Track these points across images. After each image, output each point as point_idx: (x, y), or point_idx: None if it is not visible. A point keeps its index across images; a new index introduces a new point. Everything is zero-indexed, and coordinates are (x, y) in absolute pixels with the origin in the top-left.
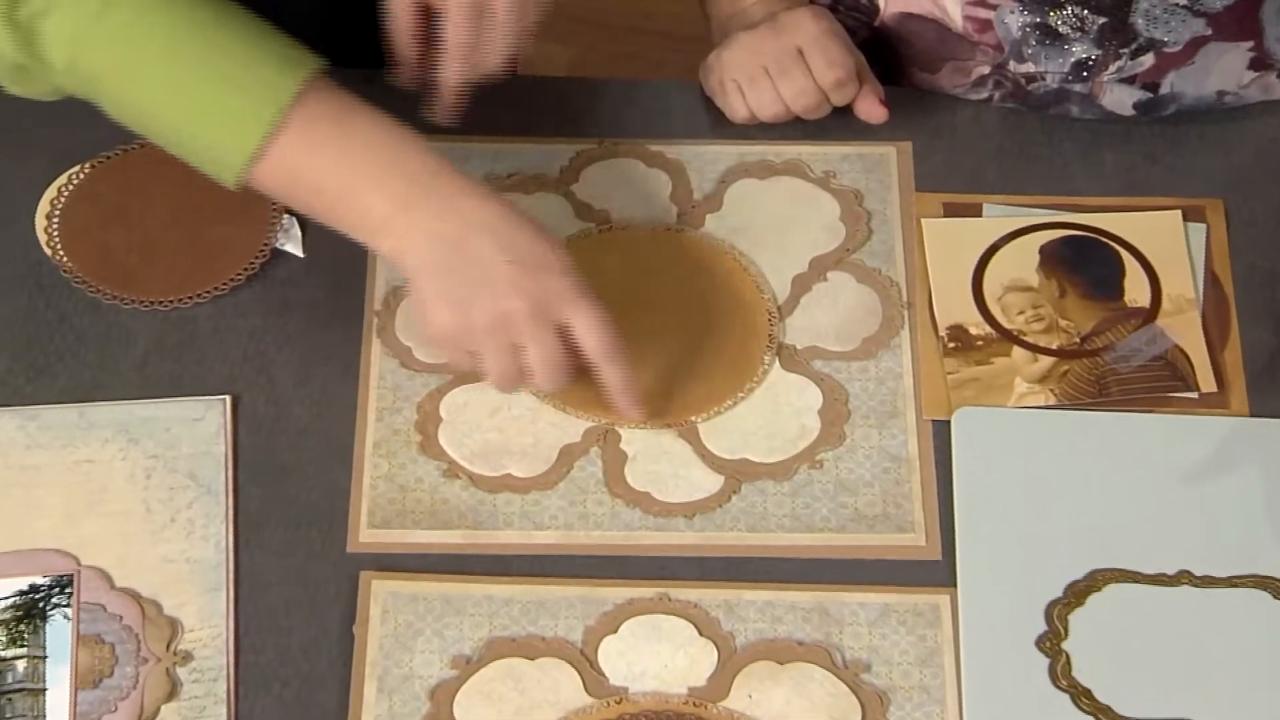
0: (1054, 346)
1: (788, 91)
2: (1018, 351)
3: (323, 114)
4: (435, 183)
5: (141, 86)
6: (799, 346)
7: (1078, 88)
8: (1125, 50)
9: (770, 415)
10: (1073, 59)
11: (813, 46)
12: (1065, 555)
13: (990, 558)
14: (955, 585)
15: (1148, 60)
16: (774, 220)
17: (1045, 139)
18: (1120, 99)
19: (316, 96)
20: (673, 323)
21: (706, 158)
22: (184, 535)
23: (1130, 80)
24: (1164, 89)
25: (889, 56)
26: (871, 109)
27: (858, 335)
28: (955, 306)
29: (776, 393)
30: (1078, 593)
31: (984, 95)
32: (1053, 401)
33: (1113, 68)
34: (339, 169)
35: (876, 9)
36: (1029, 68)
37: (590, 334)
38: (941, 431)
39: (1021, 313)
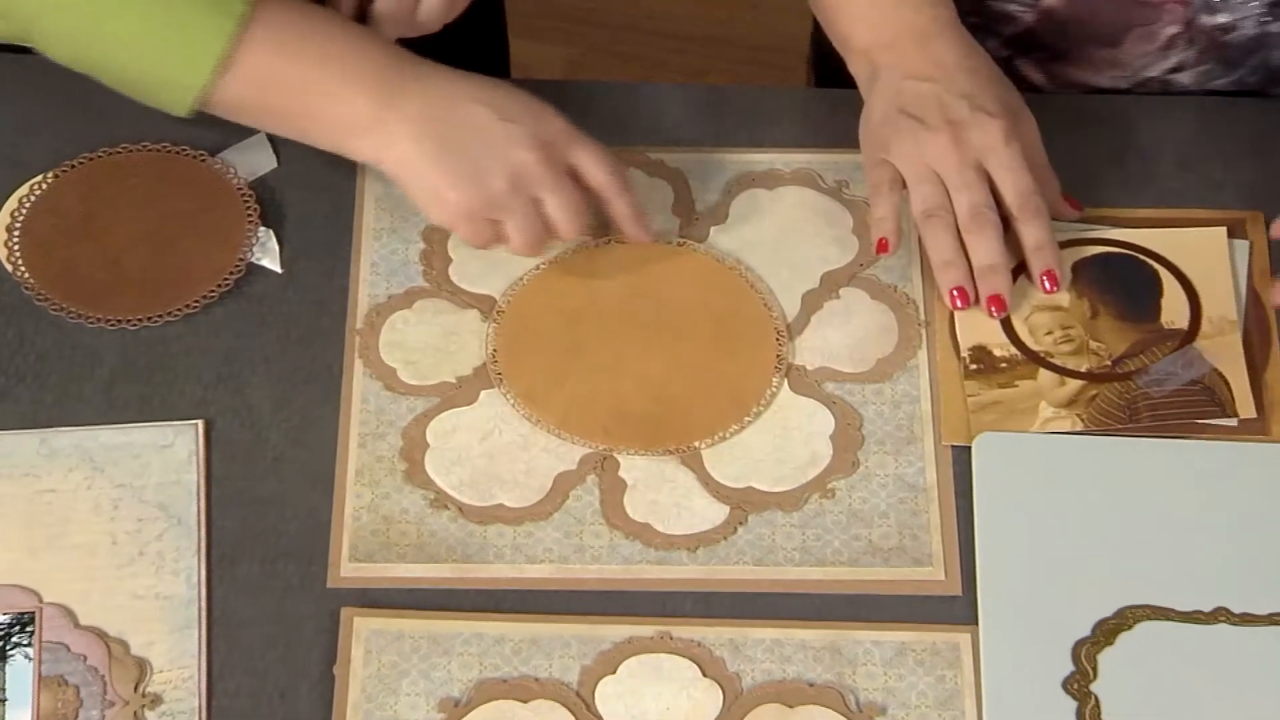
0: (1083, 369)
1: (982, 250)
2: (1044, 374)
3: (283, 17)
4: (410, 71)
5: (86, 12)
6: (809, 368)
7: (1277, 28)
8: None
9: (779, 441)
10: None
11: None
12: (1094, 591)
13: (1014, 593)
14: (976, 623)
15: None
16: (783, 233)
17: (1071, 147)
18: None
19: (271, 1)
20: (674, 343)
21: (710, 166)
22: (153, 570)
23: None
24: None
25: (1055, 41)
26: (1061, 208)
27: (872, 356)
28: (978, 325)
29: (785, 417)
30: (1107, 631)
31: (1174, 60)
32: (1080, 427)
33: None
34: (311, 72)
35: None
36: (1222, 18)
37: (598, 167)
38: (961, 459)
39: (1049, 333)
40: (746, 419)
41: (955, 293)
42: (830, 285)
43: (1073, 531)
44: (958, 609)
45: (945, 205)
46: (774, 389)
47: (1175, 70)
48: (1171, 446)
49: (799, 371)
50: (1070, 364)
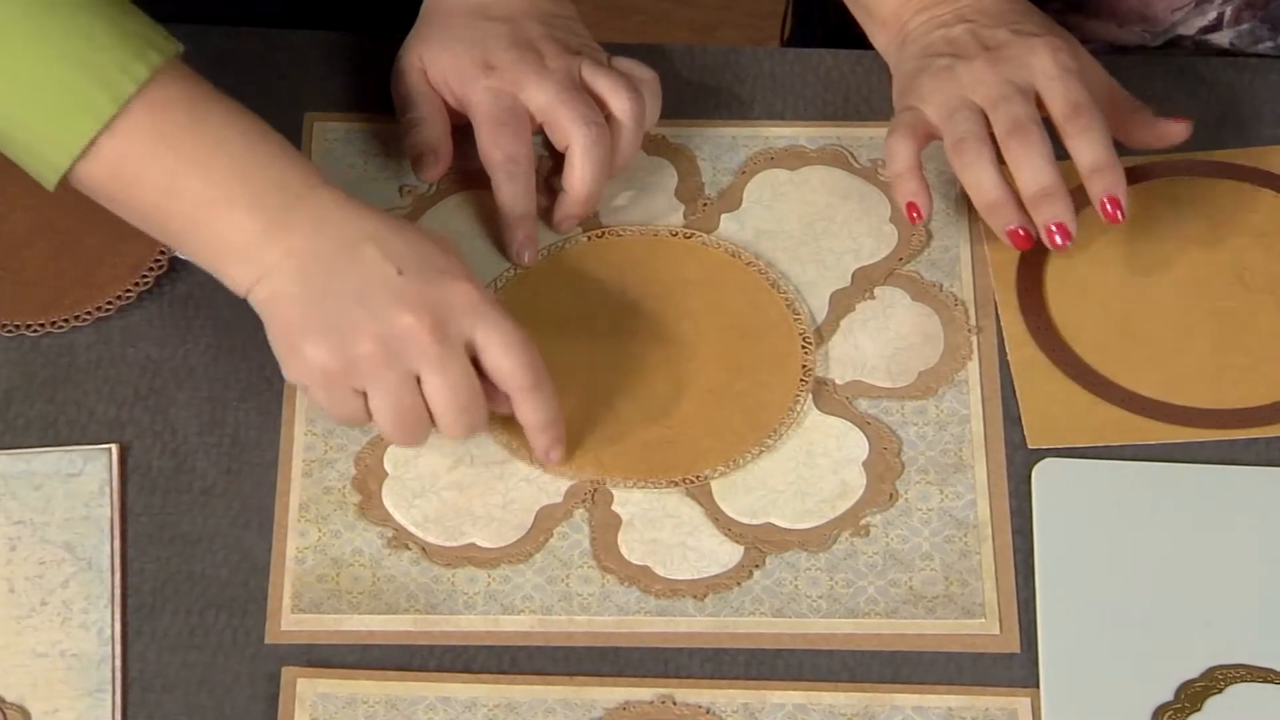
0: None
1: (1029, 171)
2: None
3: (174, 106)
4: (305, 192)
5: None
6: (839, 382)
7: None
8: None
9: (803, 469)
10: None
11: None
12: (1178, 648)
13: (1082, 651)
14: (1037, 685)
15: None
16: (808, 222)
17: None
18: None
19: (169, 84)
20: (679, 354)
21: (721, 143)
22: (58, 623)
23: None
24: None
25: None
26: (1166, 130)
27: (914, 368)
28: None
29: (811, 441)
30: (1193, 695)
31: (1211, 16)
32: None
33: None
34: (193, 175)
35: None
36: None
37: (506, 354)
38: (1020, 490)
39: None
40: (765, 443)
41: (1017, 233)
42: (864, 283)
43: (1152, 576)
44: (1015, 669)
45: (980, 133)
46: (797, 407)
47: (1211, 29)
48: (1272, 475)
49: (827, 386)
50: None
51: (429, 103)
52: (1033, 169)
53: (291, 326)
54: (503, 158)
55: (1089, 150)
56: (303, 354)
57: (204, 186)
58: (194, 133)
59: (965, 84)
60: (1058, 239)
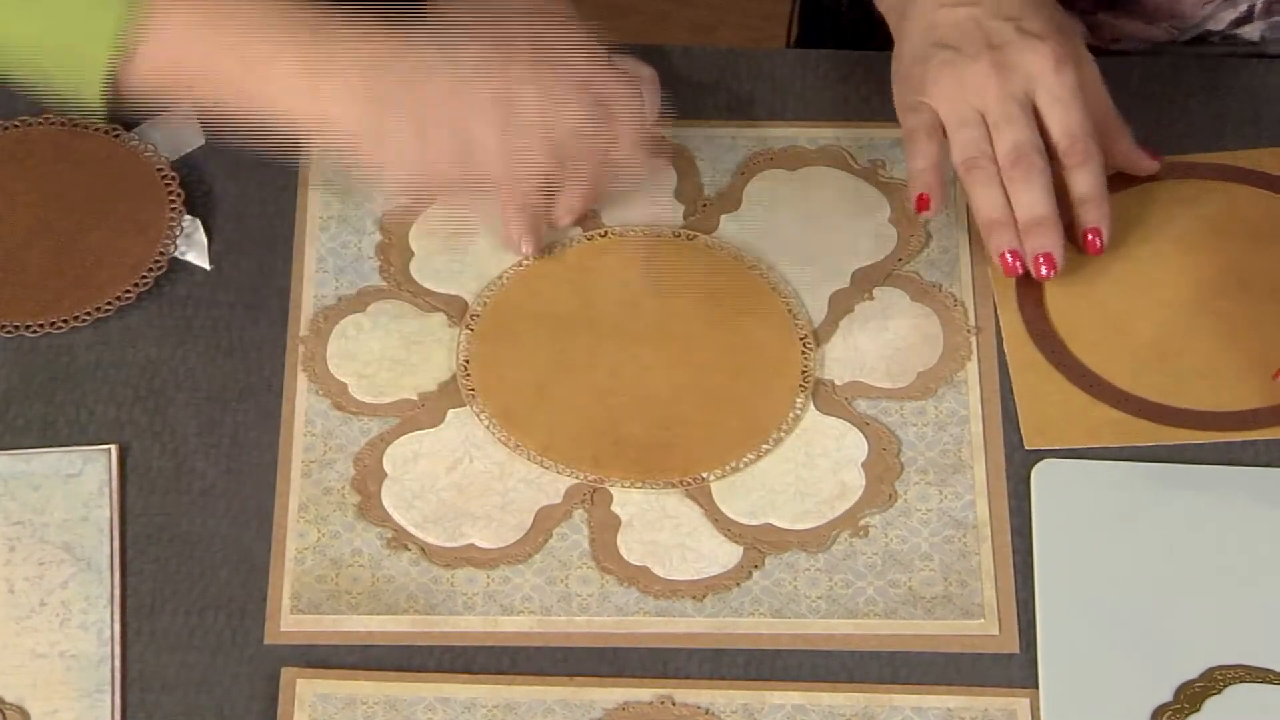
0: None
1: (1026, 199)
2: None
3: None
4: (347, 26)
5: None
6: (838, 383)
7: None
8: None
9: (802, 470)
10: None
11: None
12: (1176, 648)
13: (1081, 651)
14: (1036, 686)
15: None
16: (807, 223)
17: (1170, 89)
18: None
19: None
20: (678, 354)
21: (721, 143)
22: (57, 623)
23: None
24: None
25: None
26: (1139, 161)
27: (912, 368)
28: None
29: (810, 441)
30: (1192, 696)
31: (1242, 8)
32: None
33: None
34: (228, 30)
35: None
36: None
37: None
38: (1019, 491)
39: None
40: (764, 445)
41: (1009, 256)
42: (863, 284)
43: (1151, 577)
44: (1015, 669)
45: (990, 153)
46: (797, 409)
47: (1243, 20)
48: (1271, 476)
49: (826, 387)
50: None
51: None
52: (1030, 198)
53: (383, 127)
54: None
55: (1082, 183)
56: (418, 155)
57: (244, 49)
58: (224, 8)
59: (969, 88)
60: (1043, 269)
